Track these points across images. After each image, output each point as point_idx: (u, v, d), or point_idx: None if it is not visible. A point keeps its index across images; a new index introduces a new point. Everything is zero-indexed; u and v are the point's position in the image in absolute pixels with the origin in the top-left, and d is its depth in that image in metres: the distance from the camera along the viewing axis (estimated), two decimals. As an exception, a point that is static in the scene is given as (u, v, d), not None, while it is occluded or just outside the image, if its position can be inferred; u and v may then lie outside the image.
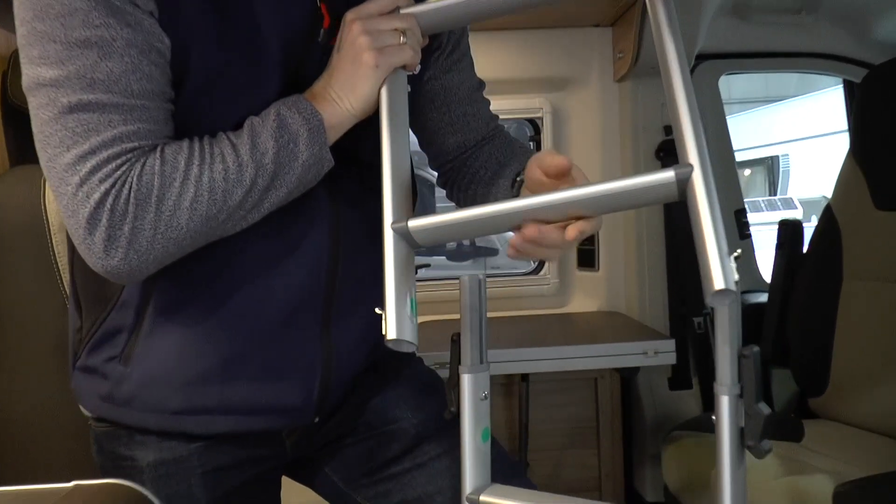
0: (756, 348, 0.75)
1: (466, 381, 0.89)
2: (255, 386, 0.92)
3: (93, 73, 0.72)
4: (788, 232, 2.00)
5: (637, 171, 2.13)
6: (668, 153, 2.12)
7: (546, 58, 2.22)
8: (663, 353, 1.77)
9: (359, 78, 0.83)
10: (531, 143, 2.37)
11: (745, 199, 2.34)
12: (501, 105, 2.28)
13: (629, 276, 2.26)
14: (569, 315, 2.31)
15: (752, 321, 2.10)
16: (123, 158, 0.74)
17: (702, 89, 2.23)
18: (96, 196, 0.73)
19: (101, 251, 0.75)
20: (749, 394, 0.75)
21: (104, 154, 0.73)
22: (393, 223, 0.80)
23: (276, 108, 0.82)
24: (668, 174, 0.65)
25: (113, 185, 0.74)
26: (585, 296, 2.35)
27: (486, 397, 0.90)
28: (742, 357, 0.76)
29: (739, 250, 0.62)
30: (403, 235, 0.79)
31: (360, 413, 1.06)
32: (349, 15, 0.85)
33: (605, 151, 2.26)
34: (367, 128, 0.87)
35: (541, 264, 2.39)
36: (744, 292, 2.20)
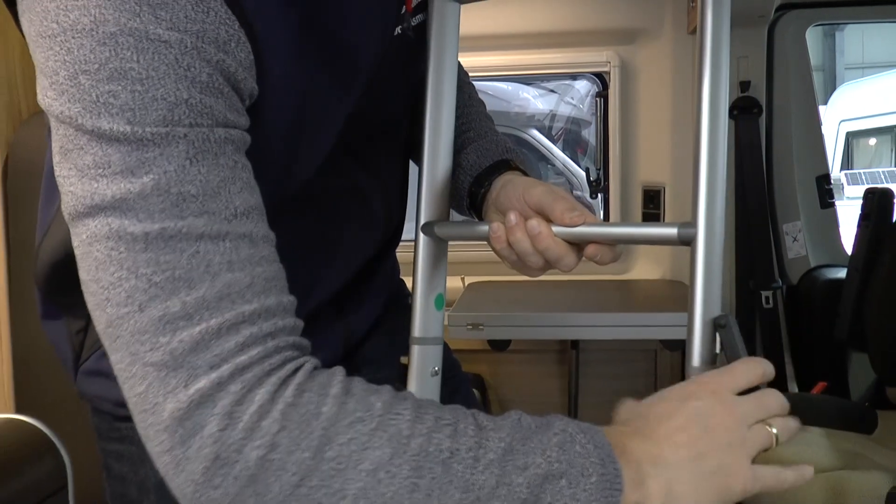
0: (731, 317, 0.66)
1: (415, 353, 0.83)
2: None
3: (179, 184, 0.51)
4: (875, 202, 1.79)
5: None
6: (742, 111, 1.94)
7: (614, 7, 2.07)
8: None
9: (707, 487, 0.57)
10: (598, 100, 2.23)
11: (863, 170, 2.10)
12: (565, 59, 2.15)
13: (696, 244, 2.09)
14: (627, 283, 2.18)
15: (830, 299, 1.91)
16: (253, 338, 0.52)
17: (785, 43, 2.00)
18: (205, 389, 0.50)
19: (200, 477, 0.50)
20: None
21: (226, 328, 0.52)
22: (423, 226, 0.79)
23: (559, 421, 0.57)
24: (671, 231, 0.65)
25: (239, 386, 0.51)
26: (649, 263, 2.21)
27: (436, 373, 0.84)
28: (719, 327, 0.66)
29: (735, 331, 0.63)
30: (432, 236, 0.79)
31: None
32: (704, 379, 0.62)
33: (677, 109, 2.10)
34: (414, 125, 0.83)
35: (604, 229, 2.25)
36: (823, 266, 2.00)
